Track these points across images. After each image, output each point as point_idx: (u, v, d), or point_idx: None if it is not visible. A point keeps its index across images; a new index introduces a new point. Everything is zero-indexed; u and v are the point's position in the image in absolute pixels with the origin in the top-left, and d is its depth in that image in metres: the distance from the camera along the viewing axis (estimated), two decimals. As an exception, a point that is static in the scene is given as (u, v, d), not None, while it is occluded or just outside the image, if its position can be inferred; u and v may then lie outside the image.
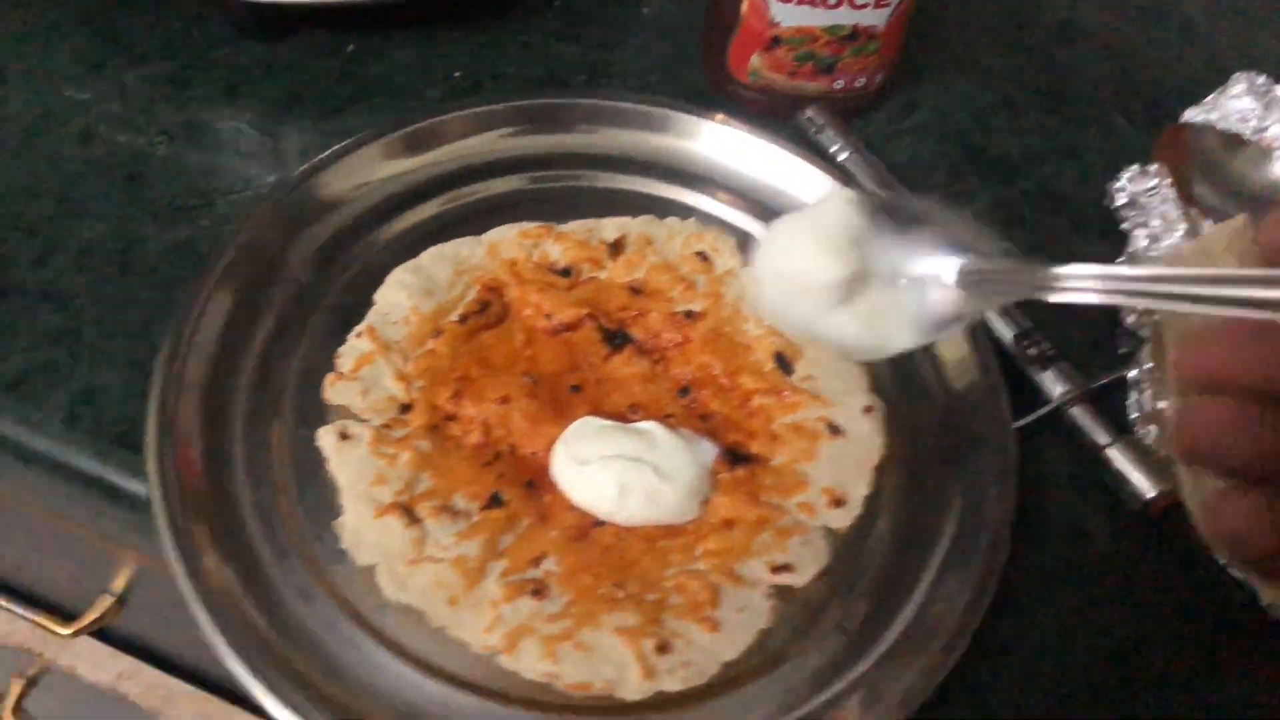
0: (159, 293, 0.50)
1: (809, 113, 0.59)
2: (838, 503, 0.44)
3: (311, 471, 0.43)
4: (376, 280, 0.49)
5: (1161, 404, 0.48)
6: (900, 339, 0.37)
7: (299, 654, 0.39)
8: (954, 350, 0.49)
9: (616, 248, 0.51)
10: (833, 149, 0.58)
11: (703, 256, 0.51)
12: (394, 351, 0.46)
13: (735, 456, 0.45)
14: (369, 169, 0.53)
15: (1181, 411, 0.29)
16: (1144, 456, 0.48)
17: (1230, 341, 0.28)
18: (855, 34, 0.57)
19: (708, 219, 0.54)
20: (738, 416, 0.46)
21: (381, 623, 0.41)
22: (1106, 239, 0.56)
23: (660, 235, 0.51)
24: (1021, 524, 0.45)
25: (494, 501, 0.43)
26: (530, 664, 0.39)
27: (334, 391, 0.45)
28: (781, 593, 0.42)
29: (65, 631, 0.68)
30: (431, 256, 0.49)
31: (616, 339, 0.49)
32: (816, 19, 0.56)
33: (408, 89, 0.60)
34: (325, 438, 0.43)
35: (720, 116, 0.56)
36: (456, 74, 0.61)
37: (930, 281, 0.35)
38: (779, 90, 0.60)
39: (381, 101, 0.59)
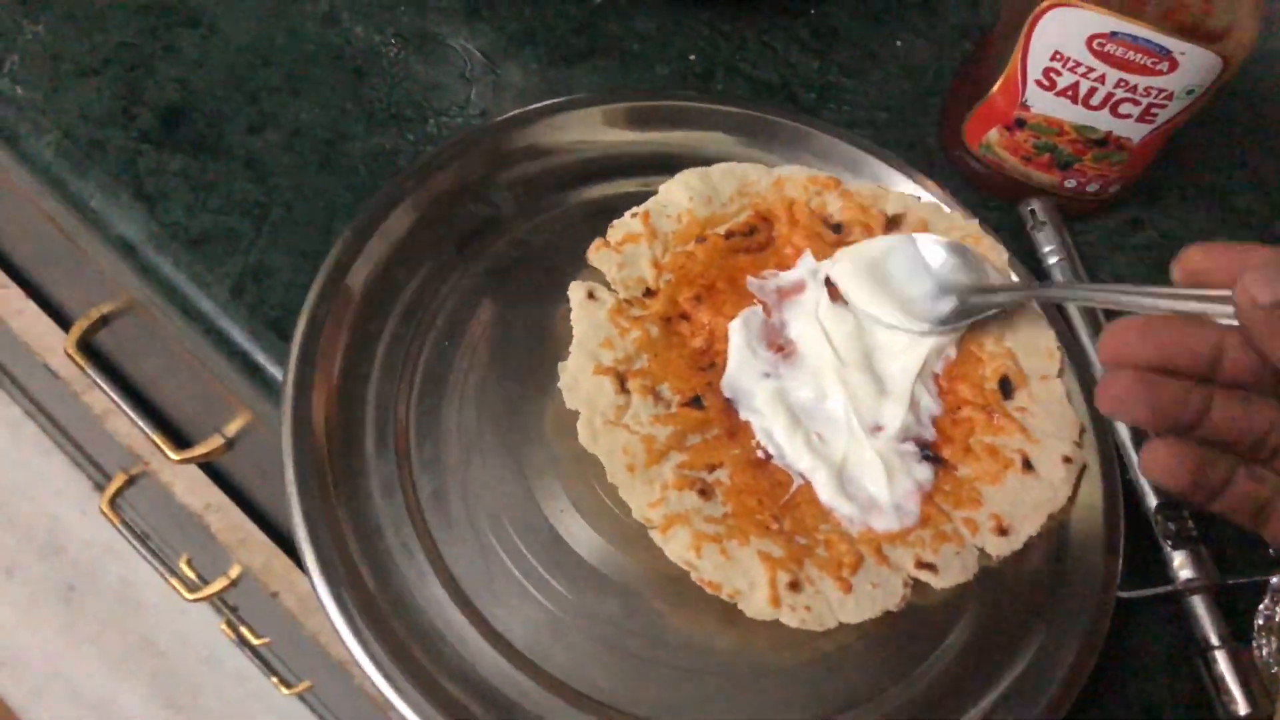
0: (350, 193, 0.51)
1: (1033, 205, 0.57)
2: (1002, 531, 0.45)
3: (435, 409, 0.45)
4: (547, 241, 0.49)
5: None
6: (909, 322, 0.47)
7: (360, 545, 0.42)
8: (1087, 496, 0.47)
9: (893, 222, 0.51)
10: (1046, 249, 0.56)
11: None
12: (658, 240, 0.49)
13: (926, 454, 0.46)
14: (585, 130, 0.53)
15: (1100, 381, 0.38)
16: (1251, 671, 0.45)
17: (1133, 332, 0.37)
18: (1106, 140, 0.54)
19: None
20: (943, 421, 0.47)
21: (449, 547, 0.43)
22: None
23: (939, 225, 0.51)
24: (1098, 693, 0.43)
25: (694, 402, 0.45)
26: (677, 549, 0.42)
27: (597, 256, 0.48)
28: (917, 588, 0.43)
29: (174, 456, 0.71)
30: (722, 170, 0.51)
31: None
32: (1070, 114, 0.53)
33: (640, 58, 0.59)
34: (576, 291, 0.46)
35: (933, 184, 0.54)
36: (692, 57, 0.60)
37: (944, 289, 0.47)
38: (1007, 171, 0.57)
39: (610, 64, 0.58)
